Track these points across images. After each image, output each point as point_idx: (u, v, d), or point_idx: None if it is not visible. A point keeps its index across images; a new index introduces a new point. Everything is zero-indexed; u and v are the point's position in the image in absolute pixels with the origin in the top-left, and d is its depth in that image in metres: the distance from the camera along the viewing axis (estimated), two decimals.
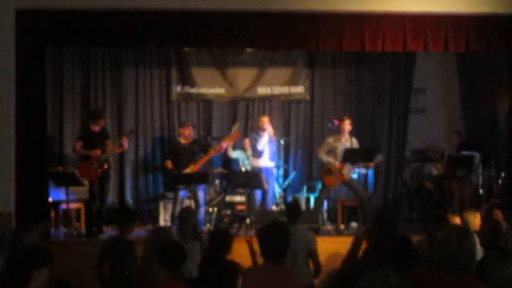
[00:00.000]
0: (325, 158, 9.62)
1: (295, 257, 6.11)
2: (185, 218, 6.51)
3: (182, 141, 9.70)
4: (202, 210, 9.39)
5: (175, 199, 9.46)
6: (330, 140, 9.76)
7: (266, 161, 10.01)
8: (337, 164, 9.49)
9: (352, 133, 9.95)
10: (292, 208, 6.82)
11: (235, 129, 10.16)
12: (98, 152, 9.21)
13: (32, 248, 3.91)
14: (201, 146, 9.75)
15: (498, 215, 7.32)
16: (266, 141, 9.99)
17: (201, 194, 9.36)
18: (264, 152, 9.98)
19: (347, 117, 10.00)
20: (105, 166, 9.39)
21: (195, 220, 6.77)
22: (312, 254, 6.35)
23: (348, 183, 9.71)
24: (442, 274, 3.80)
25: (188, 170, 9.40)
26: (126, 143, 9.65)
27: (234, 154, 10.35)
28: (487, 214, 7.72)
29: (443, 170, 10.20)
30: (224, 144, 9.57)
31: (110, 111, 11.05)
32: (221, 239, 5.41)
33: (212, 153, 9.57)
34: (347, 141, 9.76)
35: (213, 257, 5.31)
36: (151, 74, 11.25)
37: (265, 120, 10.09)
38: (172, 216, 9.41)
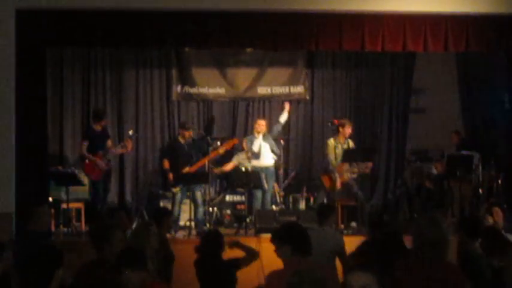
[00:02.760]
0: (335, 163, 9.62)
1: (325, 257, 6.13)
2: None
3: (181, 141, 9.75)
4: (201, 210, 9.41)
5: (174, 199, 9.51)
6: (331, 141, 9.80)
7: (265, 161, 10.01)
8: (338, 167, 9.53)
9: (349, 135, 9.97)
10: (324, 210, 6.88)
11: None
12: (104, 165, 9.26)
13: (51, 247, 3.86)
14: (199, 147, 9.79)
15: (498, 213, 7.32)
16: (260, 142, 9.98)
17: (198, 194, 9.38)
18: (262, 153, 9.98)
19: (349, 122, 9.94)
20: (109, 167, 9.49)
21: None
22: (342, 254, 6.41)
23: (347, 184, 9.72)
24: (419, 262, 4.04)
25: (186, 170, 9.44)
26: (130, 146, 9.73)
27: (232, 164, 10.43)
28: (486, 213, 7.72)
29: (443, 170, 10.20)
30: (221, 150, 9.61)
31: (110, 111, 11.04)
32: (213, 239, 5.46)
33: (209, 157, 9.61)
34: (345, 143, 9.80)
35: (210, 256, 5.35)
36: (151, 74, 11.25)
37: (261, 124, 10.09)
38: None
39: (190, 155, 9.66)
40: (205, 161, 9.71)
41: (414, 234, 4.19)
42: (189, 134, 9.73)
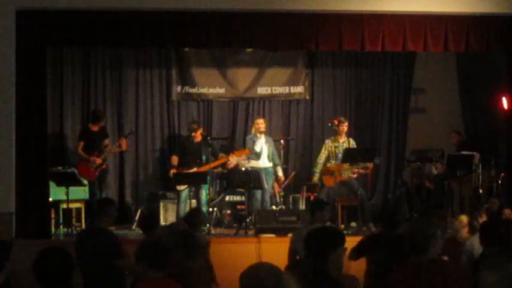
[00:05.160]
0: (318, 170, 9.72)
1: None
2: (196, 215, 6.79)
3: (193, 139, 9.80)
4: (204, 210, 9.44)
5: (178, 199, 9.55)
6: (328, 142, 9.84)
7: (264, 162, 10.03)
8: (336, 166, 9.59)
9: (349, 134, 9.98)
10: (312, 206, 6.92)
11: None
12: (98, 160, 9.34)
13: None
14: (212, 149, 9.85)
15: (508, 215, 7.28)
16: (263, 142, 10.01)
17: (203, 193, 9.41)
18: (262, 153, 10.00)
19: (345, 119, 10.02)
20: (104, 166, 9.49)
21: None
22: None
23: (347, 182, 9.72)
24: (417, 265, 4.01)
25: (194, 170, 9.48)
26: (124, 144, 9.74)
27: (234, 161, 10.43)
28: (491, 214, 7.68)
29: (443, 170, 10.20)
30: (231, 158, 9.75)
31: (110, 111, 11.04)
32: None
33: (218, 162, 9.78)
34: (344, 142, 9.81)
35: None
36: (151, 74, 11.24)
37: (261, 122, 10.11)
38: (177, 216, 9.49)
39: (200, 155, 9.69)
40: (214, 165, 9.77)
41: (412, 236, 4.16)
42: (197, 134, 9.82)
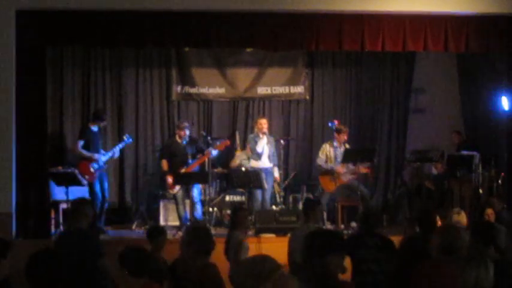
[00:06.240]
0: (325, 165, 9.71)
1: None
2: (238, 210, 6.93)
3: (178, 140, 9.78)
4: (198, 207, 9.45)
5: (176, 200, 9.54)
6: (326, 146, 9.85)
7: (265, 162, 10.03)
8: (337, 168, 9.57)
9: (348, 134, 9.99)
10: (305, 206, 6.99)
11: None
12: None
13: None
14: (196, 146, 9.83)
15: (490, 215, 7.30)
16: (265, 143, 10.02)
17: (195, 191, 9.42)
18: (263, 153, 10.00)
19: (345, 127, 10.00)
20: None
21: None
22: None
23: (348, 186, 9.72)
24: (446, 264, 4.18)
25: (182, 171, 9.47)
26: (117, 151, 9.82)
27: (237, 160, 10.40)
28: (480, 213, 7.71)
29: (443, 170, 10.20)
30: (213, 152, 9.69)
31: (110, 111, 11.03)
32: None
33: (201, 160, 9.74)
34: (340, 147, 9.82)
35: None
36: (151, 74, 11.24)
37: (264, 122, 10.11)
38: (179, 216, 9.49)
39: (186, 155, 9.68)
40: (199, 163, 9.75)
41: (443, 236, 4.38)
42: (184, 133, 9.77)
